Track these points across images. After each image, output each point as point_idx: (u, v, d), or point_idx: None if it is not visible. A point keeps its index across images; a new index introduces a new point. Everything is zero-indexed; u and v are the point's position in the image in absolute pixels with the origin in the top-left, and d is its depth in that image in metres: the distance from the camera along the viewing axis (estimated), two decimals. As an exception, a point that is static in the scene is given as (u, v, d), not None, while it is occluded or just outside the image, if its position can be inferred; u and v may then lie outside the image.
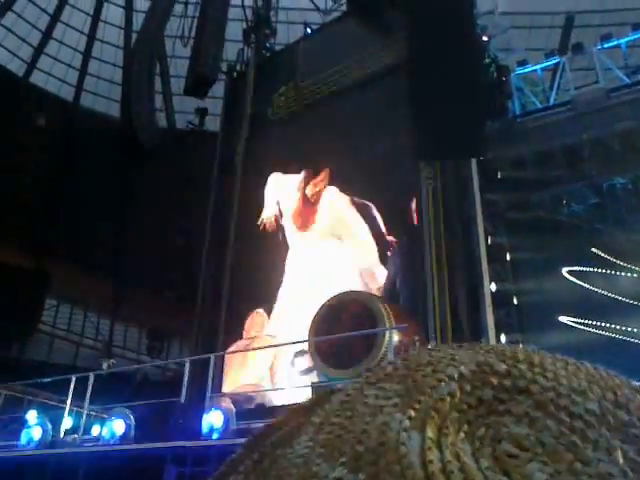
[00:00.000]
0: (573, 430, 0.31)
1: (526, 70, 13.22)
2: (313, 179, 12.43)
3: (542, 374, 0.35)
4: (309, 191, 12.39)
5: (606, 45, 12.61)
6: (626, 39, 12.69)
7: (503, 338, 9.16)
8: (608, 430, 0.31)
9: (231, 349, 11.74)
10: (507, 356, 0.37)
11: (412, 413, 0.32)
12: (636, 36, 12.63)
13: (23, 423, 9.57)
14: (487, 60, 12.78)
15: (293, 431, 0.37)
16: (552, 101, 12.53)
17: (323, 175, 12.29)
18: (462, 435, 0.31)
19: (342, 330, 8.70)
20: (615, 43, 12.67)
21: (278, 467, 0.34)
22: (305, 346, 9.95)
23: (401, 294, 10.19)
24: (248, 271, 12.68)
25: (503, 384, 0.34)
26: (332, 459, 0.31)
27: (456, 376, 0.34)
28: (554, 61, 13.47)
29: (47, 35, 24.80)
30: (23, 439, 9.30)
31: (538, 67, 13.31)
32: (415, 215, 10.59)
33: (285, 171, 13.02)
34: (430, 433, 0.31)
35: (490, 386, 0.34)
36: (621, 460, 0.29)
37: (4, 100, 22.78)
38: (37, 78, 24.61)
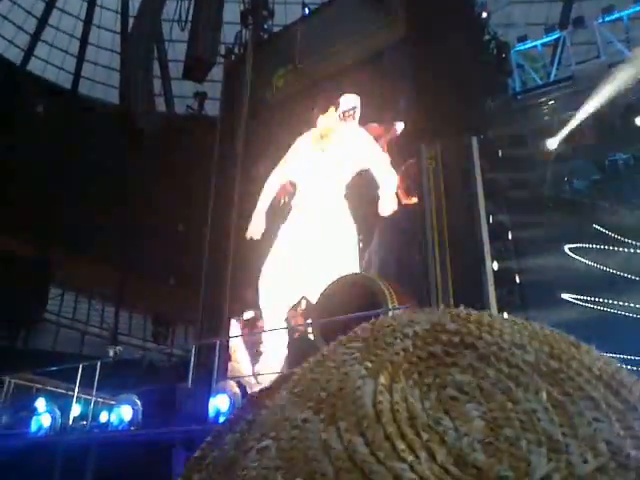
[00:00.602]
0: (509, 377, 0.37)
1: (526, 46, 13.08)
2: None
3: (488, 332, 0.40)
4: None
5: (607, 18, 12.44)
6: (628, 12, 12.52)
7: (505, 316, 9.17)
8: (540, 376, 0.37)
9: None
10: (460, 317, 0.42)
11: (369, 364, 0.38)
12: (638, 8, 12.45)
13: (32, 411, 9.71)
14: (487, 37, 12.64)
15: (276, 390, 0.43)
16: (553, 77, 12.42)
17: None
18: (411, 382, 0.36)
19: (346, 312, 8.73)
20: (617, 16, 12.50)
21: (261, 418, 0.41)
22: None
23: (399, 273, 10.26)
24: (251, 255, 12.72)
25: (452, 340, 0.39)
26: (302, 405, 0.37)
27: (410, 334, 0.40)
28: (555, 36, 13.31)
29: (43, 22, 24.62)
30: (33, 426, 9.44)
31: (538, 42, 13.16)
32: (403, 194, 10.66)
33: (284, 154, 12.95)
34: (383, 380, 0.36)
35: (440, 342, 0.39)
36: (545, 398, 0.35)
37: (2, 88, 22.72)
38: (34, 66, 24.49)
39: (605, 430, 0.34)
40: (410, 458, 0.32)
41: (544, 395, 0.35)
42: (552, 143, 10.98)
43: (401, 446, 0.32)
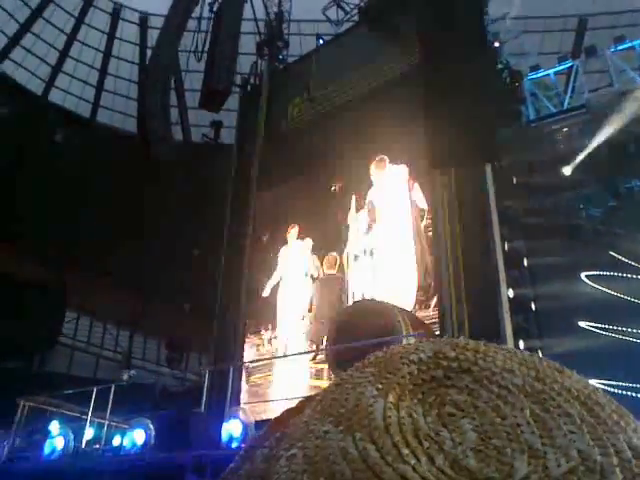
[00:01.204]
0: (499, 396, 0.43)
1: (539, 75, 13.19)
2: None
3: (482, 358, 0.47)
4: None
5: (620, 47, 12.55)
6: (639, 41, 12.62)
7: (521, 344, 9.08)
8: (525, 396, 0.43)
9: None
10: (459, 346, 0.49)
11: (379, 386, 0.44)
12: (650, 38, 12.56)
13: (46, 434, 9.71)
14: (500, 66, 12.77)
15: (301, 410, 0.49)
16: (566, 105, 12.49)
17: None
18: (416, 401, 0.43)
19: (360, 339, 8.69)
20: (629, 45, 12.60)
21: (289, 432, 0.47)
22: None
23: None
24: (265, 282, 12.77)
25: (451, 365, 0.46)
26: (324, 420, 0.44)
27: (416, 360, 0.47)
28: (567, 65, 13.43)
29: (64, 54, 25.28)
30: (46, 449, 9.43)
31: (551, 71, 13.27)
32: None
33: (305, 180, 12.95)
34: (391, 399, 0.43)
35: (441, 367, 0.46)
36: (528, 414, 0.42)
37: (24, 117, 23.25)
38: (55, 96, 25.07)
39: (578, 440, 0.40)
40: (413, 461, 0.38)
41: (527, 412, 0.42)
42: (567, 170, 11.00)
43: (405, 452, 0.39)
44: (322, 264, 11.93)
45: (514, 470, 0.38)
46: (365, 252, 11.48)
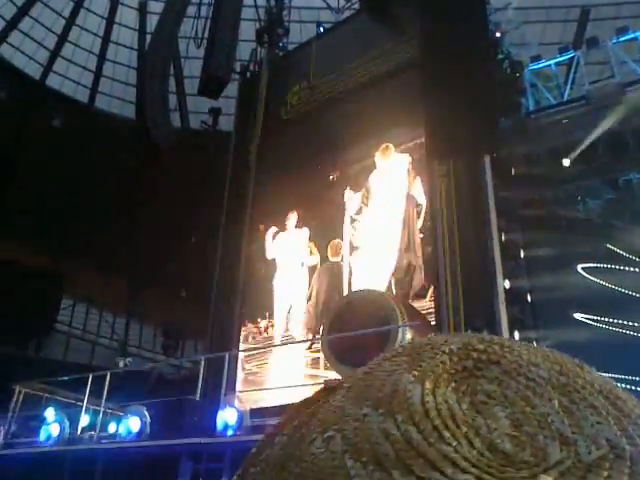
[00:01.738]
0: (527, 388, 0.45)
1: (540, 65, 13.11)
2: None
3: (509, 352, 0.49)
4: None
5: (622, 38, 12.47)
6: (642, 32, 12.53)
7: (517, 335, 9.10)
8: (552, 388, 0.45)
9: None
10: (485, 340, 0.51)
11: (416, 373, 0.46)
12: (652, 29, 12.47)
13: (42, 420, 9.74)
14: (500, 56, 12.70)
15: (323, 399, 0.51)
16: (566, 96, 12.43)
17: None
18: (450, 389, 0.45)
19: (356, 328, 8.71)
20: (631, 36, 12.52)
21: (318, 416, 0.48)
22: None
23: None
24: (262, 270, 12.78)
25: (481, 357, 0.48)
26: (360, 404, 0.45)
27: (447, 350, 0.49)
28: (568, 56, 13.34)
29: (63, 38, 25.10)
30: (42, 436, 9.46)
31: (552, 62, 13.19)
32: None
33: (303, 169, 12.91)
34: (428, 385, 0.45)
35: (471, 358, 0.48)
36: (557, 405, 0.44)
37: (21, 102, 23.13)
38: (53, 81, 24.93)
39: (605, 430, 0.42)
40: (454, 443, 0.40)
41: (556, 402, 0.44)
42: (566, 162, 10.97)
43: (447, 434, 0.41)
44: (326, 250, 11.93)
45: (548, 455, 0.39)
46: (355, 239, 11.50)
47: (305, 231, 12.46)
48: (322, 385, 0.54)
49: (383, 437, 0.41)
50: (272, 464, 0.47)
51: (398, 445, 0.40)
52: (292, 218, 12.74)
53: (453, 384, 0.45)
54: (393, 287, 10.49)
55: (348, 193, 11.97)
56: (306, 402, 0.54)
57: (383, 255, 10.86)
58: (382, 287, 10.36)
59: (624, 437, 0.42)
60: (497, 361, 0.47)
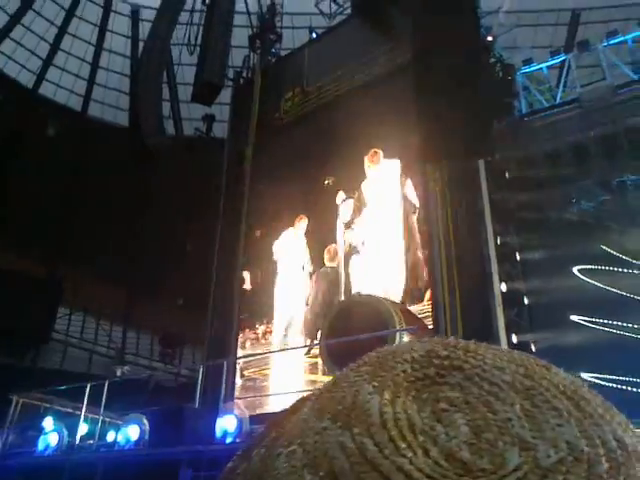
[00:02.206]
0: (490, 393, 0.45)
1: (532, 69, 13.19)
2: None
3: (473, 357, 0.48)
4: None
5: (612, 41, 12.55)
6: (632, 35, 12.63)
7: (514, 338, 9.14)
8: (515, 392, 0.45)
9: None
10: (450, 345, 0.51)
11: (375, 384, 0.46)
12: (641, 32, 12.57)
13: (40, 430, 9.69)
14: (492, 59, 12.77)
15: (298, 410, 0.51)
16: (559, 99, 12.51)
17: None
18: (410, 398, 0.44)
19: (354, 333, 8.72)
20: (621, 39, 12.61)
21: (287, 430, 0.48)
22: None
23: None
24: (259, 276, 12.77)
25: (443, 364, 0.48)
26: (321, 417, 0.45)
27: (409, 359, 0.49)
28: (560, 59, 13.44)
29: (55, 47, 25.06)
30: (40, 445, 9.42)
31: (544, 65, 13.27)
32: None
33: (298, 175, 12.92)
34: (387, 396, 0.44)
35: (433, 365, 0.48)
36: (518, 409, 0.43)
37: (15, 111, 23.06)
38: (46, 89, 24.88)
39: (566, 433, 0.42)
40: (410, 454, 0.40)
41: (517, 407, 0.43)
42: (559, 164, 11.03)
43: (402, 445, 0.40)
44: (322, 255, 11.95)
45: (506, 461, 0.39)
46: (350, 246, 11.53)
47: (301, 238, 12.48)
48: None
49: (339, 450, 0.41)
50: (249, 477, 0.48)
51: (353, 458, 0.40)
52: (302, 223, 12.71)
53: (413, 393, 0.45)
54: (398, 289, 10.49)
55: (341, 196, 12.02)
56: (285, 413, 0.54)
57: (385, 259, 10.89)
58: (391, 289, 10.37)
59: (584, 438, 0.42)
60: (459, 367, 0.47)
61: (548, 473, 0.39)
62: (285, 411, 0.54)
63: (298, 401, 0.54)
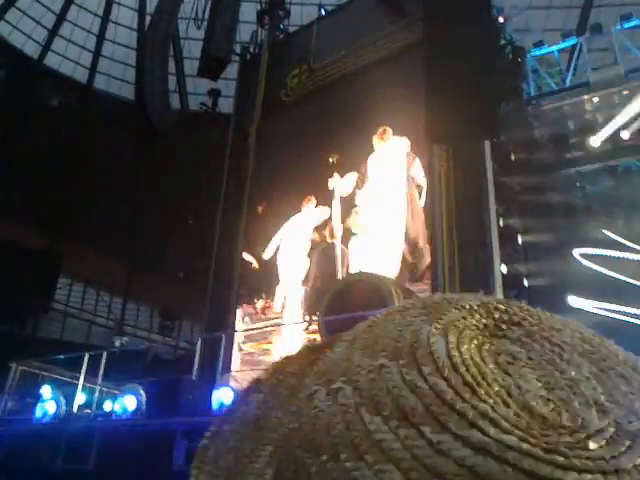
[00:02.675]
0: (553, 352, 0.43)
1: (542, 51, 13.03)
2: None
3: (530, 315, 0.46)
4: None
5: (626, 25, 12.37)
6: (647, 19, 12.43)
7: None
8: (579, 355, 0.43)
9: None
10: (503, 301, 0.49)
11: (437, 325, 0.43)
12: (656, 16, 12.37)
13: (38, 397, 9.77)
14: (503, 41, 12.62)
15: (302, 357, 0.48)
16: (568, 83, 12.36)
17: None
18: (473, 346, 0.42)
19: (352, 311, 8.73)
20: (635, 23, 12.42)
21: (316, 369, 0.44)
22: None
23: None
24: (259, 251, 12.78)
25: (502, 317, 0.45)
26: (373, 354, 0.41)
27: (467, 306, 0.46)
28: (571, 42, 13.26)
29: (61, 17, 24.84)
30: (38, 413, 9.49)
31: (554, 48, 13.10)
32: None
33: (302, 152, 12.83)
34: (452, 338, 0.41)
35: (492, 317, 0.45)
36: (586, 371, 0.41)
37: (19, 82, 22.95)
38: (51, 60, 24.71)
39: (637, 401, 0.40)
40: (491, 401, 0.37)
41: (586, 369, 0.41)
42: (565, 148, 10.95)
43: (481, 391, 0.37)
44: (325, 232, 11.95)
45: (587, 421, 0.37)
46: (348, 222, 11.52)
47: (323, 211, 12.36)
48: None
49: (408, 390, 0.37)
50: (248, 422, 0.45)
51: (427, 399, 0.37)
52: (310, 203, 12.61)
53: (475, 341, 0.42)
54: (398, 267, 10.50)
55: (335, 179, 12.01)
56: (287, 361, 0.50)
57: (387, 236, 10.87)
58: (389, 267, 10.37)
59: None
60: (519, 322, 0.45)
61: (636, 438, 0.36)
62: (288, 358, 0.50)
63: (305, 348, 0.50)
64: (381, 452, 0.35)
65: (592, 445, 0.35)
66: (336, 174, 12.01)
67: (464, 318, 0.44)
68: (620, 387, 0.40)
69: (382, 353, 0.41)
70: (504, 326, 0.44)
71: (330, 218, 11.95)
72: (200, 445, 0.46)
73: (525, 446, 0.34)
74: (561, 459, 0.34)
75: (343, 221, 11.71)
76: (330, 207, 12.02)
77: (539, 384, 0.39)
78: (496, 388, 0.38)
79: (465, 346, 0.41)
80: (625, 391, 0.40)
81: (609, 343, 0.46)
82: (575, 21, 18.58)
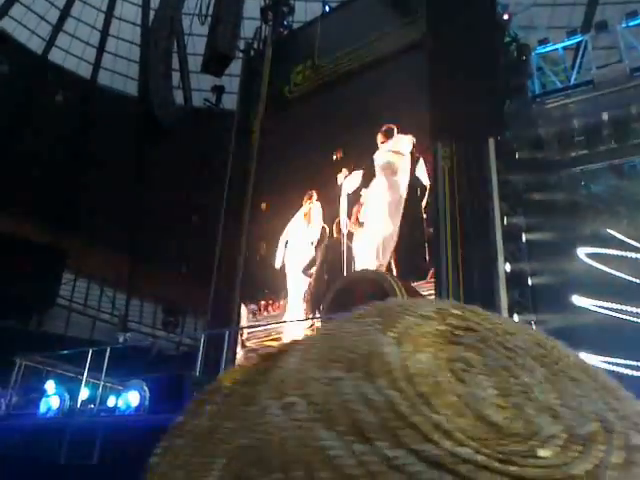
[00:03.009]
0: (507, 357, 0.42)
1: (547, 49, 12.96)
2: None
3: (485, 320, 0.46)
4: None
5: (632, 23, 12.30)
6: (652, 17, 12.36)
7: (516, 318, 9.13)
8: (532, 359, 0.42)
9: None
10: (458, 306, 0.47)
11: (392, 334, 0.42)
12: (662, 14, 12.30)
13: (42, 393, 9.82)
14: (508, 39, 12.57)
15: (260, 364, 0.46)
16: (573, 81, 12.31)
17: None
18: (428, 355, 0.41)
19: (355, 308, 8.74)
20: (641, 21, 12.35)
21: (270, 381, 0.42)
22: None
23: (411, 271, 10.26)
24: (263, 249, 12.79)
25: (456, 323, 0.44)
26: (328, 366, 0.40)
27: (422, 313, 0.45)
28: (576, 40, 13.19)
29: (65, 13, 24.83)
30: (42, 408, 9.55)
31: (559, 46, 13.04)
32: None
33: (306, 148, 12.82)
34: (406, 347, 0.40)
35: (446, 323, 0.44)
36: (539, 376, 0.41)
37: (23, 77, 22.97)
38: (55, 56, 24.71)
39: (591, 404, 0.39)
40: (445, 412, 0.36)
41: (538, 374, 0.40)
42: (571, 146, 10.92)
43: (436, 402, 0.36)
44: (330, 228, 11.97)
45: (540, 428, 0.36)
46: (357, 219, 11.53)
47: (319, 209, 12.41)
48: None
49: (362, 403, 0.36)
50: (199, 435, 0.43)
51: (383, 413, 0.36)
52: (312, 199, 12.64)
53: (431, 349, 0.41)
54: (394, 265, 10.51)
55: (344, 174, 12.00)
56: (237, 371, 0.48)
57: (387, 234, 10.88)
58: (385, 265, 10.39)
59: (609, 411, 0.39)
60: (473, 328, 0.44)
61: (587, 443, 0.36)
62: (242, 366, 0.48)
63: (263, 355, 0.48)
64: (335, 469, 0.34)
65: (544, 453, 0.35)
66: (345, 169, 12.00)
67: (419, 325, 0.43)
68: (572, 390, 0.40)
69: (336, 364, 0.40)
70: (459, 332, 0.43)
71: (337, 214, 11.97)
72: (150, 462, 0.44)
73: (479, 458, 0.34)
74: (514, 469, 0.34)
75: (350, 217, 11.73)
76: (337, 203, 12.02)
77: (494, 391, 0.38)
78: (451, 398, 0.37)
79: (420, 355, 0.40)
80: (577, 394, 0.40)
81: (561, 346, 0.46)
82: (580, 18, 18.50)
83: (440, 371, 0.39)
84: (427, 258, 10.31)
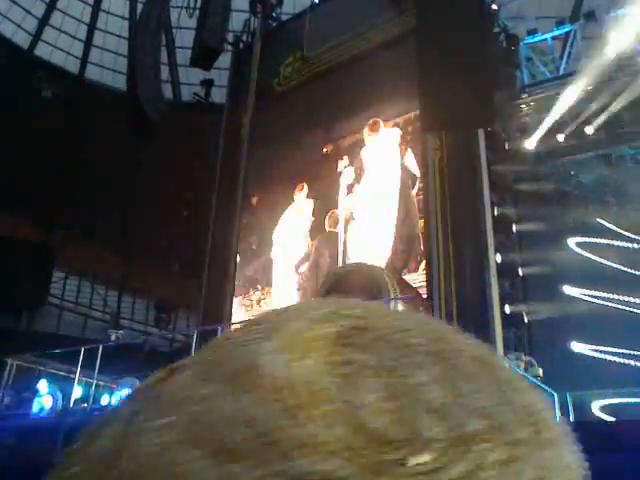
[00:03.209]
0: (400, 356, 0.40)
1: (536, 39, 12.98)
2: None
3: (379, 318, 0.44)
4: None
5: (619, 12, 12.30)
6: (640, 6, 12.35)
7: (507, 309, 9.18)
8: (425, 356, 0.41)
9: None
10: (352, 305, 0.46)
11: (276, 343, 0.40)
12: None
13: (34, 392, 9.79)
14: (496, 29, 12.56)
15: (162, 381, 0.44)
16: (562, 71, 12.34)
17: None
18: (315, 359, 0.39)
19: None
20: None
21: (156, 403, 0.40)
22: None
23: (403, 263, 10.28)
24: (255, 243, 12.76)
25: (349, 324, 0.43)
26: (205, 382, 0.38)
27: (311, 317, 0.43)
28: (565, 30, 13.22)
29: (51, 6, 24.56)
30: (35, 407, 9.52)
31: (548, 36, 13.07)
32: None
33: (296, 142, 12.78)
34: (291, 355, 0.39)
35: (335, 325, 0.42)
36: (431, 373, 0.39)
37: (10, 72, 22.74)
38: (42, 50, 24.46)
39: (483, 400, 0.39)
40: (312, 425, 0.35)
41: (430, 371, 0.40)
42: (560, 137, 10.94)
43: (315, 412, 0.35)
44: (323, 221, 11.95)
45: (421, 430, 0.36)
46: (347, 212, 11.52)
47: (310, 203, 12.40)
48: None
49: (228, 422, 0.35)
50: (98, 460, 0.40)
51: (246, 431, 0.34)
52: (302, 190, 12.62)
53: (317, 353, 0.40)
54: (390, 258, 10.52)
55: (343, 163, 11.96)
56: (147, 385, 0.45)
57: (381, 227, 10.88)
58: (380, 258, 10.39)
59: (501, 405, 0.39)
60: (364, 328, 0.42)
61: (469, 442, 0.36)
62: (147, 384, 0.45)
63: (165, 370, 0.46)
64: None
65: (421, 459, 0.34)
66: (346, 158, 11.96)
67: (309, 329, 0.42)
68: (464, 387, 0.39)
69: (213, 380, 0.38)
70: (351, 333, 0.42)
71: (329, 207, 11.95)
72: None
73: (345, 472, 0.33)
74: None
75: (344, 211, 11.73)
76: (328, 195, 12.00)
77: (382, 393, 0.37)
78: (329, 406, 0.36)
79: (305, 361, 0.39)
80: (469, 391, 0.39)
81: (465, 338, 0.45)
82: (569, 8, 18.48)
83: (324, 377, 0.38)
84: (419, 250, 10.32)
